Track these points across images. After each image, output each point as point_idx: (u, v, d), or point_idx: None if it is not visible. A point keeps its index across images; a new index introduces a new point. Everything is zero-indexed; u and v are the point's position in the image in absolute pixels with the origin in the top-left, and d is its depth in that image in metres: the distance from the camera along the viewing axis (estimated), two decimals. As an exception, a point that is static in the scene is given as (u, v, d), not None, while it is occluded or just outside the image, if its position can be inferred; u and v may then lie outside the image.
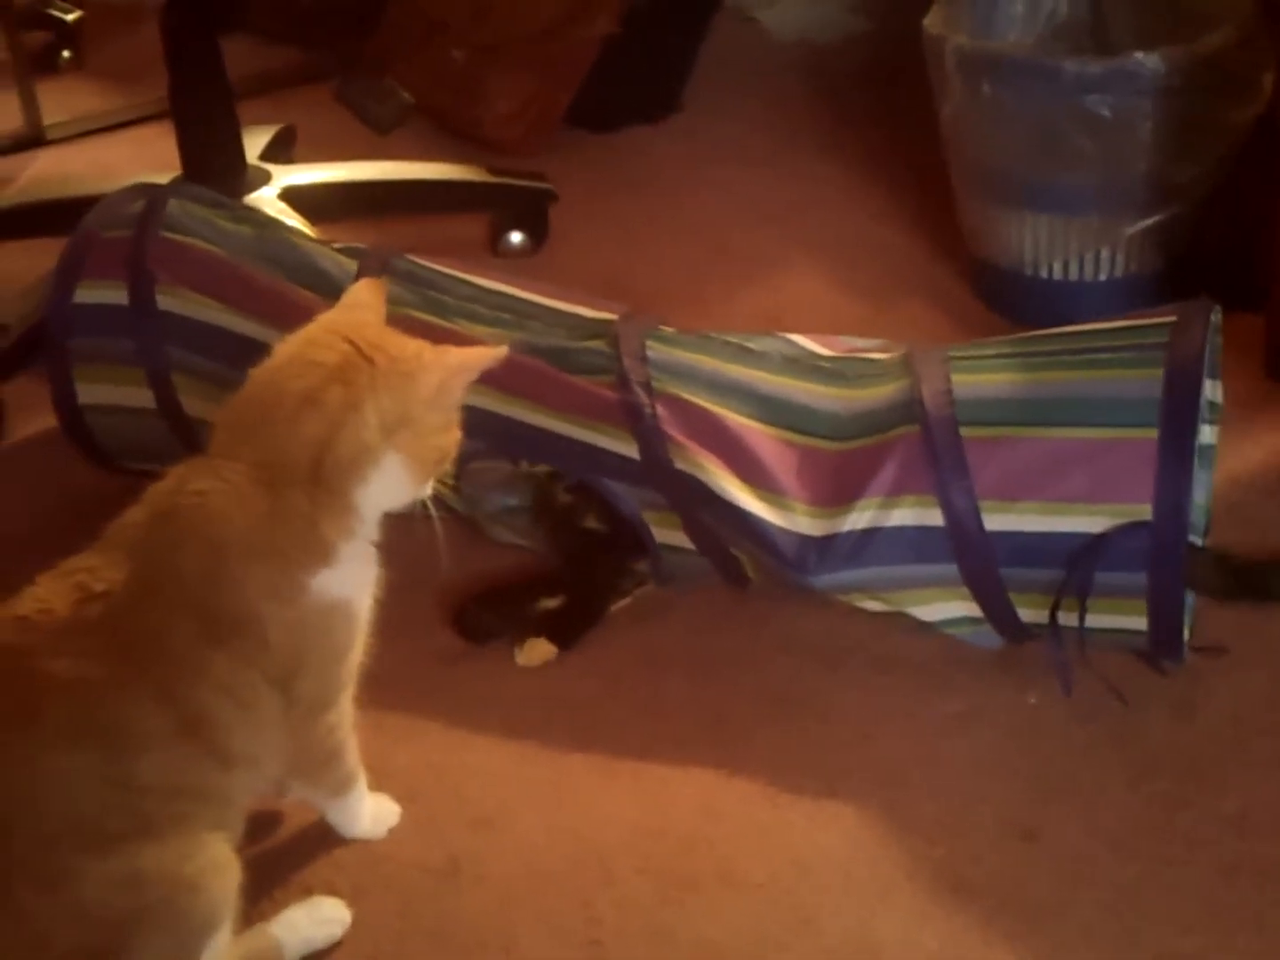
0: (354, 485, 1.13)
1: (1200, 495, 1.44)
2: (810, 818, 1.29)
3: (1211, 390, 1.44)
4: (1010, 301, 1.95)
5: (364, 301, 1.21)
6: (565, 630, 1.49)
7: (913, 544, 1.37)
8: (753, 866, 1.25)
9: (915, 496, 1.37)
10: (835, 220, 2.20)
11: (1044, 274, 1.90)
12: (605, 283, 2.01)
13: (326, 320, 1.19)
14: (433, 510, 1.19)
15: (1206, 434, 1.44)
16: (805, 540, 1.40)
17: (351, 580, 1.16)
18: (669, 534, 1.48)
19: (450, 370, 1.15)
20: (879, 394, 1.43)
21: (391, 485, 1.15)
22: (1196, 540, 1.43)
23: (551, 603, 1.51)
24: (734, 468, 1.42)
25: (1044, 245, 1.88)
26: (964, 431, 1.36)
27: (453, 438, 1.18)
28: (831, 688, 1.42)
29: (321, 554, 1.12)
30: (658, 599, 1.53)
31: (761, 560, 1.44)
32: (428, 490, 1.18)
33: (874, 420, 1.41)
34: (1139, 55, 1.75)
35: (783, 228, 2.19)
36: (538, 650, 1.47)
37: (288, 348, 1.16)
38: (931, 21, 1.91)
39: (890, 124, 2.39)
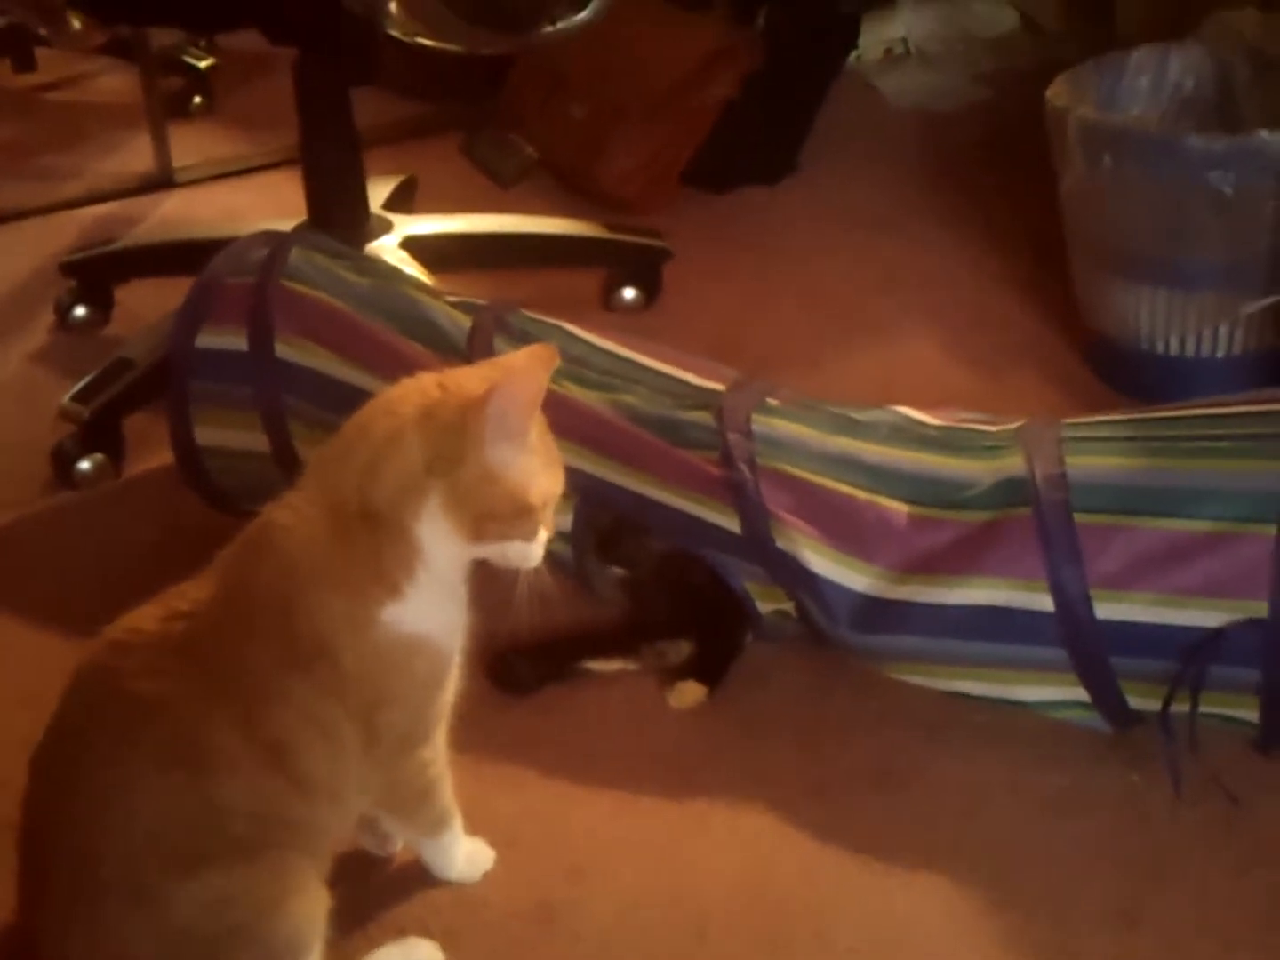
0: (409, 519, 1.12)
1: None
2: (908, 887, 1.28)
3: None
4: (1124, 376, 1.93)
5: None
6: (711, 669, 1.49)
7: (1019, 627, 1.35)
8: (847, 931, 1.24)
9: (1024, 580, 1.35)
10: (950, 288, 2.19)
11: (1160, 349, 1.88)
12: (717, 341, 2.02)
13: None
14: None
15: None
16: (873, 600, 1.39)
17: (429, 618, 1.15)
18: (773, 604, 1.48)
19: (491, 399, 1.10)
20: (988, 467, 1.41)
21: (448, 528, 1.12)
22: None
23: (596, 664, 1.51)
24: (831, 539, 1.41)
25: (1161, 320, 1.87)
26: (1078, 517, 1.34)
27: (510, 493, 1.12)
28: (934, 758, 1.41)
29: (387, 587, 1.12)
30: (761, 665, 1.52)
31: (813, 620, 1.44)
32: (538, 552, 1.16)
33: (982, 495, 1.39)
34: (1264, 133, 1.74)
35: (897, 293, 2.19)
36: (689, 692, 1.47)
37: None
38: (1055, 93, 1.90)
39: (1008, 194, 2.39)
